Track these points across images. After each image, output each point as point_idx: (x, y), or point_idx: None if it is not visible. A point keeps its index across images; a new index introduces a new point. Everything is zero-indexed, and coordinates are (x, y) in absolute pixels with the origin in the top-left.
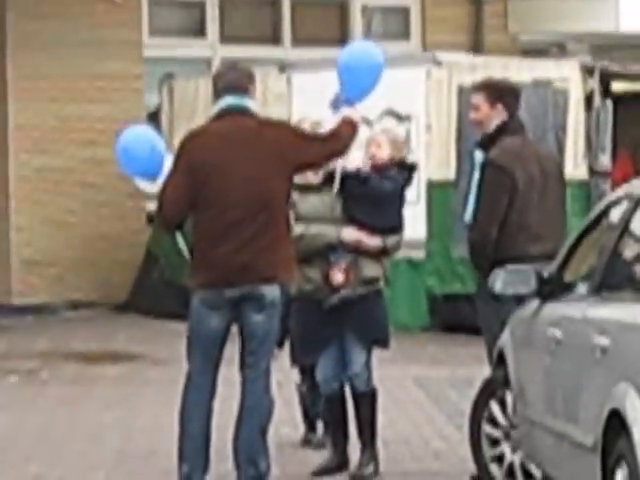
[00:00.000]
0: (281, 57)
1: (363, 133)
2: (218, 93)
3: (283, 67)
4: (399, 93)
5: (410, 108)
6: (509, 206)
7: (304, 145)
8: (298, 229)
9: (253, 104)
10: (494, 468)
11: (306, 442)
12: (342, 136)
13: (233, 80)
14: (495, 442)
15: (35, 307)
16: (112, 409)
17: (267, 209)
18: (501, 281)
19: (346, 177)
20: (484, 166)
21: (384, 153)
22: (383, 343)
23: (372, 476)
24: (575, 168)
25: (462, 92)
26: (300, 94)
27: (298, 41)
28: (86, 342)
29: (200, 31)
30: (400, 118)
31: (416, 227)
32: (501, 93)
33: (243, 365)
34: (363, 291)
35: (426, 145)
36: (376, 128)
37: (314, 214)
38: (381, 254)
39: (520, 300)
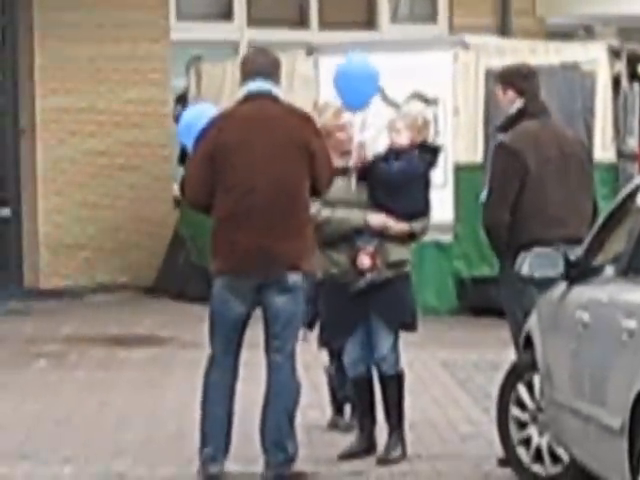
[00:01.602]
0: (308, 40)
1: (389, 116)
2: (245, 77)
3: (310, 50)
4: (426, 76)
5: (437, 91)
6: (521, 190)
7: (322, 157)
8: (325, 213)
9: (279, 90)
10: (521, 451)
11: (333, 425)
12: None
13: (260, 65)
14: (522, 425)
15: (63, 291)
16: (139, 392)
17: (289, 194)
18: (528, 264)
19: (367, 164)
20: (496, 150)
21: (403, 138)
22: (410, 326)
23: (399, 459)
24: (603, 151)
25: (489, 75)
26: (327, 77)
27: (325, 24)
28: (114, 326)
29: (227, 14)
30: (427, 101)
31: (444, 210)
32: (509, 79)
33: (268, 348)
34: (390, 275)
35: (453, 128)
36: (403, 111)
37: (341, 198)
38: (408, 238)
39: (541, 284)
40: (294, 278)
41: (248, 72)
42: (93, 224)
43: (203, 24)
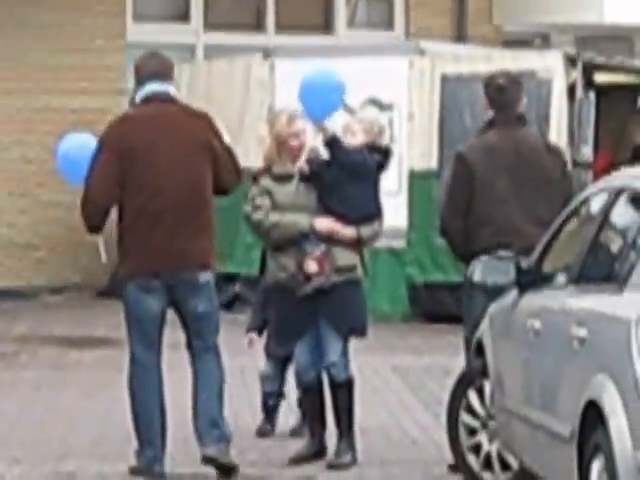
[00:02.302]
0: (265, 44)
1: (344, 120)
2: (141, 80)
3: (267, 54)
4: (382, 82)
5: (393, 97)
6: (471, 199)
7: (221, 150)
8: (273, 217)
9: (175, 91)
10: (471, 458)
11: (261, 433)
12: (236, 180)
13: (156, 67)
14: (473, 431)
15: (15, 291)
16: (90, 394)
17: (195, 194)
18: (480, 271)
19: (318, 163)
20: (454, 158)
21: (357, 141)
22: (359, 332)
23: (349, 464)
24: None
25: (445, 82)
26: (283, 81)
27: (282, 28)
28: (66, 326)
29: (184, 17)
30: (382, 107)
31: (397, 216)
32: (485, 88)
33: (190, 343)
34: (338, 280)
35: (408, 134)
36: (358, 116)
37: (290, 203)
38: (357, 243)
39: (493, 292)
40: (205, 277)
41: (144, 75)
42: (47, 224)
43: (160, 26)
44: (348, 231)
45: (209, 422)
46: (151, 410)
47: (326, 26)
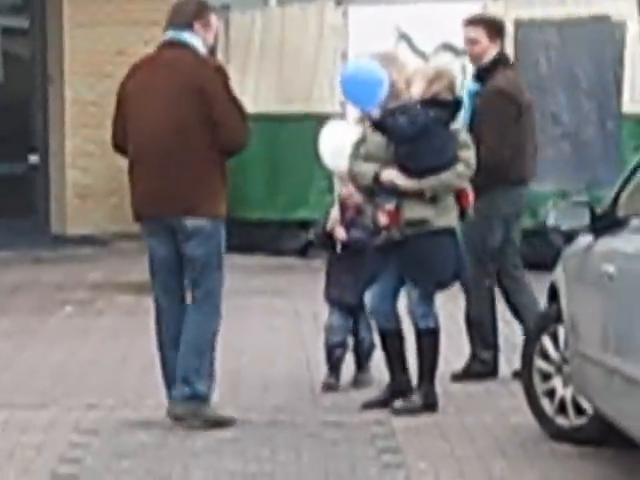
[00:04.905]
0: None
1: (413, 68)
2: (167, 25)
3: (340, 0)
4: (455, 27)
5: None
6: (515, 131)
7: (223, 100)
8: (356, 166)
9: (196, 39)
10: (545, 402)
11: (328, 387)
12: (244, 134)
13: (176, 15)
14: (547, 376)
15: (90, 238)
16: None
17: (182, 139)
18: (555, 215)
19: (373, 121)
20: (488, 94)
21: (415, 92)
22: (436, 285)
23: (417, 410)
24: (632, 103)
25: (519, 26)
26: (356, 27)
27: None
28: (140, 273)
29: None
30: (456, 52)
31: None
32: (500, 29)
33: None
34: (410, 232)
35: None
36: (431, 62)
37: (377, 153)
38: (421, 195)
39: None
40: (194, 223)
41: (168, 21)
42: (122, 171)
43: None
44: (409, 183)
45: (180, 378)
46: (164, 352)
47: None
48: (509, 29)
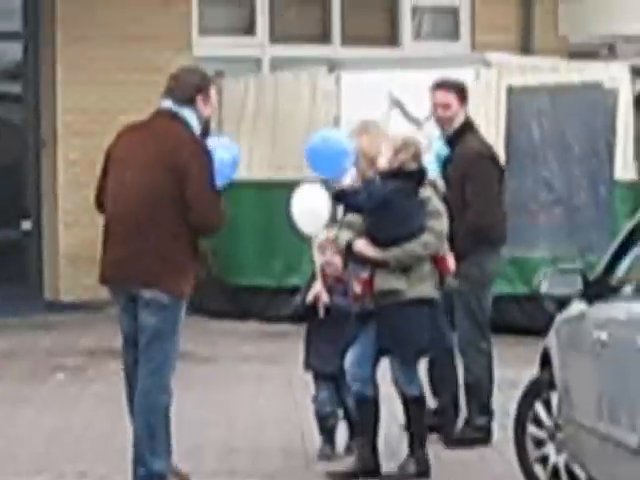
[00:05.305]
0: (330, 56)
1: (412, 133)
2: (166, 92)
3: (332, 66)
4: None
5: None
6: (499, 193)
7: (198, 183)
8: (339, 234)
9: (193, 114)
10: (538, 469)
11: (324, 457)
12: (215, 219)
13: (178, 86)
14: (540, 443)
15: (83, 303)
16: None
17: (149, 213)
18: (548, 282)
19: (340, 193)
20: (468, 158)
21: (381, 162)
22: (407, 355)
23: (414, 476)
24: (624, 170)
25: (511, 93)
26: (349, 93)
27: (348, 40)
28: None
29: (250, 30)
30: None
31: None
32: (466, 94)
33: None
34: (382, 303)
35: None
36: (425, 128)
37: (357, 222)
38: (385, 265)
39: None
40: (152, 294)
41: (169, 89)
42: None
43: (226, 39)
44: (376, 254)
45: (136, 458)
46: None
47: (391, 38)
48: (501, 96)
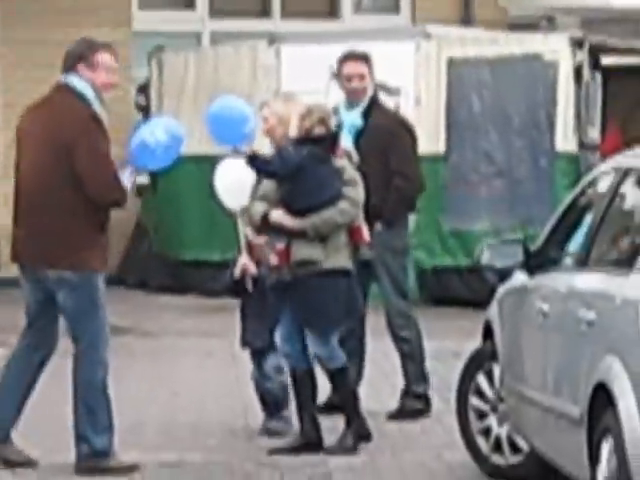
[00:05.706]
0: (271, 30)
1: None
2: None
3: (272, 40)
4: (389, 66)
5: (400, 81)
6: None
7: (87, 155)
8: (250, 207)
9: (83, 82)
10: (481, 441)
11: (265, 431)
12: (110, 191)
13: (65, 57)
14: (482, 415)
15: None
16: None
17: (43, 191)
18: (489, 253)
19: (252, 157)
20: (390, 128)
21: (291, 130)
22: (323, 326)
23: (349, 450)
24: (565, 142)
25: (452, 65)
26: (289, 66)
27: (288, 14)
28: None
29: (190, 4)
30: (389, 91)
31: None
32: (370, 63)
33: None
34: (299, 273)
35: (415, 118)
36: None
37: (271, 193)
38: (303, 235)
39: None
40: (56, 274)
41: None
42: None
43: (165, 14)
44: (290, 222)
45: (78, 436)
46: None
47: (332, 11)
48: (442, 68)
